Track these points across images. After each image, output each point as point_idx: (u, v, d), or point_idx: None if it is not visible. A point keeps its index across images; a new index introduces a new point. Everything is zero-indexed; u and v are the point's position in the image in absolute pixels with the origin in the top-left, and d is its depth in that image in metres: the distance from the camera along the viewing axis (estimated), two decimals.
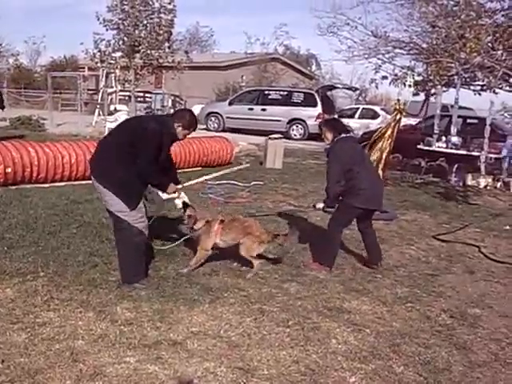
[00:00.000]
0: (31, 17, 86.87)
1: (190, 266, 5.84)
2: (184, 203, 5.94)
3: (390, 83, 15.49)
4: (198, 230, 5.91)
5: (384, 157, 10.10)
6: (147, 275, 5.52)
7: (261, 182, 11.89)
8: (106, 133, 15.09)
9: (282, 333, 4.56)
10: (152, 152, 5.18)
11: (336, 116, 21.61)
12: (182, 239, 6.21)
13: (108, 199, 5.23)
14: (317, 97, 24.54)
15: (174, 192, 5.75)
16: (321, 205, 6.77)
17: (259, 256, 6.08)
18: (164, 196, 5.88)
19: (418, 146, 14.83)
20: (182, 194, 5.96)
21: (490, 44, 13.47)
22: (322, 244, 6.53)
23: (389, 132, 10.16)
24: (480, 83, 15.93)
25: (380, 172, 9.77)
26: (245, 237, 5.93)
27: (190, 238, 6.15)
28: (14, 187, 9.41)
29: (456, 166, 13.85)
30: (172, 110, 33.24)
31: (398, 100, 10.73)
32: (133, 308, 4.80)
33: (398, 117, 10.32)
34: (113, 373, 3.73)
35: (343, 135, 6.27)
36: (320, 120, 17.75)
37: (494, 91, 15.15)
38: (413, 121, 18.58)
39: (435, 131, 14.90)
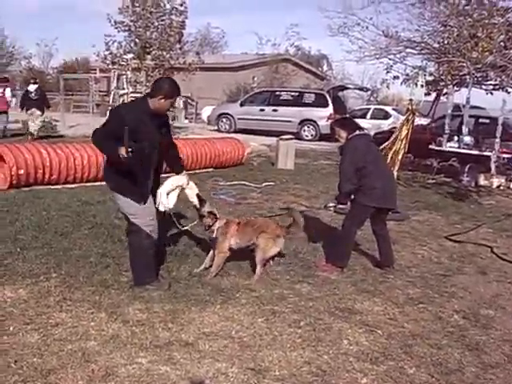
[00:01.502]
0: (43, 19, 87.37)
1: (211, 273, 5.77)
2: (199, 196, 5.82)
3: (401, 83, 15.43)
4: (216, 231, 5.83)
5: (399, 158, 10.09)
6: (158, 276, 5.52)
7: (272, 183, 11.90)
8: None
9: (293, 333, 4.56)
10: (107, 127, 5.02)
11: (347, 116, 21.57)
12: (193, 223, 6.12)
13: (119, 202, 5.26)
14: (328, 97, 24.49)
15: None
16: (332, 205, 6.77)
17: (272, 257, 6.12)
18: (167, 187, 5.47)
19: (430, 146, 14.76)
20: (191, 183, 5.77)
21: (502, 43, 13.41)
22: (335, 244, 6.52)
23: (403, 133, 10.15)
24: (492, 82, 15.83)
25: (395, 173, 9.78)
26: (259, 236, 5.89)
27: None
28: (26, 189, 9.47)
29: (468, 166, 13.78)
30: (183, 112, 33.45)
31: (411, 100, 10.69)
32: (144, 309, 4.82)
33: (410, 117, 10.30)
34: (124, 373, 3.75)
35: (357, 132, 6.24)
36: (331, 120, 17.73)
37: (506, 90, 15.06)
38: (424, 121, 18.50)
39: (446, 131, 14.82)
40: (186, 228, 6.20)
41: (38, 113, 18.37)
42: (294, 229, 6.14)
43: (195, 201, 5.82)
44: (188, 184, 5.70)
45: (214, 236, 5.84)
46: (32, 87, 18.54)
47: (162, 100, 5.02)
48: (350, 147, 6.14)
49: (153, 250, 5.33)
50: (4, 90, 18.77)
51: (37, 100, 18.34)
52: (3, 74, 38.67)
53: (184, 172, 5.70)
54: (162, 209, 5.44)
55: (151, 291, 5.18)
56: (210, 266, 5.87)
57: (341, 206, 6.89)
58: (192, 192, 5.79)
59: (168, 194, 5.45)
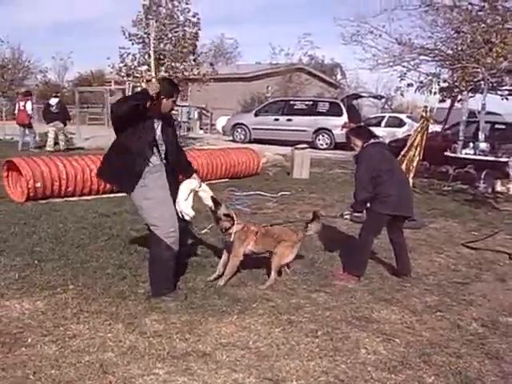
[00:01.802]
0: (58, 33, 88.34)
1: (225, 276, 5.80)
2: (213, 199, 5.79)
3: (415, 90, 15.43)
4: (233, 235, 5.80)
5: (414, 165, 10.04)
6: (176, 287, 5.53)
7: (288, 193, 11.89)
8: None
9: (310, 343, 4.53)
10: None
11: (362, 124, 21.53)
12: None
13: (141, 212, 5.29)
14: (342, 106, 24.49)
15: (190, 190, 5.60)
16: (348, 213, 6.75)
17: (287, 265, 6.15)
18: (183, 194, 5.51)
19: (446, 153, 14.68)
20: (204, 185, 5.78)
21: None
22: (352, 253, 6.51)
23: (417, 140, 10.11)
24: (507, 88, 15.75)
25: (410, 181, 9.72)
26: (277, 245, 5.92)
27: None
28: (43, 201, 9.55)
29: (484, 172, 13.67)
30: (198, 122, 33.56)
31: (426, 107, 10.65)
32: (162, 320, 4.82)
33: (424, 124, 10.26)
34: None
35: (372, 141, 6.24)
36: (346, 129, 17.74)
37: None
38: (439, 128, 18.43)
39: (461, 138, 14.73)
40: (205, 231, 6.17)
41: (61, 125, 19.05)
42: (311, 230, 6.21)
43: (210, 203, 5.79)
44: (200, 186, 5.70)
45: (231, 239, 5.81)
46: (53, 101, 19.17)
47: (164, 100, 5.16)
48: (365, 155, 6.14)
49: (173, 262, 5.33)
50: (25, 104, 19.33)
51: (57, 113, 18.98)
52: (20, 88, 39.19)
53: (194, 175, 5.71)
54: (187, 218, 5.50)
55: (168, 302, 5.18)
56: (223, 274, 5.88)
57: (357, 215, 6.88)
58: (206, 194, 5.78)
59: (186, 201, 5.48)
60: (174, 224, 5.22)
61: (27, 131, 19.44)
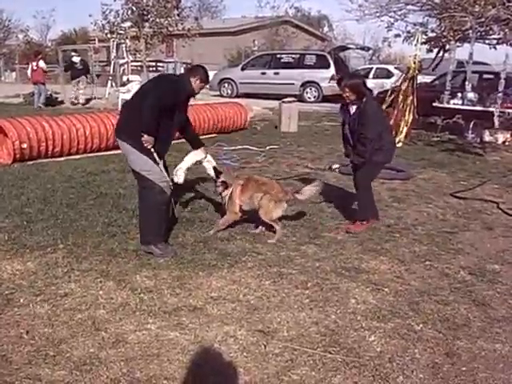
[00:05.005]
0: None
1: (217, 226, 6.00)
2: (215, 168, 6.03)
3: (403, 41, 15.29)
4: (226, 196, 6.00)
5: (407, 115, 9.98)
6: (167, 241, 5.56)
7: (276, 146, 11.87)
8: (120, 104, 15.22)
9: (300, 295, 4.59)
10: (159, 102, 5.01)
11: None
12: None
13: (133, 158, 5.24)
14: (329, 58, 24.29)
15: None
16: (337, 166, 6.74)
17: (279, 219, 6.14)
18: (188, 164, 5.91)
19: (434, 104, 14.62)
20: (209, 156, 6.06)
21: None
22: (357, 203, 6.51)
23: (403, 88, 10.03)
24: (495, 37, 15.61)
25: (404, 129, 9.68)
26: (263, 196, 5.90)
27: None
28: (30, 162, 9.48)
29: (472, 122, 13.65)
30: None
31: (416, 56, 10.55)
32: (152, 276, 4.86)
33: (416, 73, 10.17)
34: (134, 340, 3.79)
35: (369, 96, 6.16)
36: (334, 81, 17.58)
37: (510, 44, 14.83)
38: (427, 79, 18.31)
39: (448, 88, 14.65)
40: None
41: (86, 79, 20.88)
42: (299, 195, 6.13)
43: (212, 173, 6.05)
44: (206, 158, 5.99)
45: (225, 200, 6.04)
46: (76, 59, 20.79)
47: (198, 81, 5.38)
48: (371, 114, 5.95)
49: (166, 207, 5.40)
50: (38, 63, 20.01)
51: (81, 69, 20.92)
52: (1, 49, 38.56)
53: (203, 147, 5.97)
54: (175, 180, 5.73)
55: (158, 258, 5.20)
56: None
57: (344, 171, 6.86)
58: (209, 165, 6.05)
59: (185, 168, 5.88)
60: (163, 171, 5.28)
61: (42, 88, 20.11)
